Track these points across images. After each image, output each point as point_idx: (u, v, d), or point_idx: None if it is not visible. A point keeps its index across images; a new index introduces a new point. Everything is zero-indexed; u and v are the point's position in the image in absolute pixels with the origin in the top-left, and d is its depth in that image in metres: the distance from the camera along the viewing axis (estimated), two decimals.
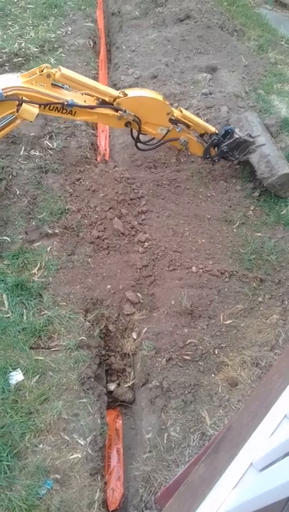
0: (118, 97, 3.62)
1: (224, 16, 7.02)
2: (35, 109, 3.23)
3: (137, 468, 2.65)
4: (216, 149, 4.13)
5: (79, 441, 2.60)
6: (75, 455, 2.54)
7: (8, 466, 2.42)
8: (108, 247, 3.67)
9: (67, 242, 3.64)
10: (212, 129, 4.09)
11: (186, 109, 4.91)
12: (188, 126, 4.00)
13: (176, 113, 3.91)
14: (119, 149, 4.86)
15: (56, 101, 3.35)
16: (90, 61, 5.93)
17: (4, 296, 3.22)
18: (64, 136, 4.56)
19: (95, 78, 5.80)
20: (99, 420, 2.73)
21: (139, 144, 4.10)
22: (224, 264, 3.62)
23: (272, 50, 6.62)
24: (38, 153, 4.34)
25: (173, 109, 3.87)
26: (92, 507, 2.38)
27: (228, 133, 4.03)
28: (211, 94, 5.24)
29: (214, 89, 5.34)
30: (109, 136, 5.16)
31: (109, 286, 3.40)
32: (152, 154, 4.52)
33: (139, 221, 3.89)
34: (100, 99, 3.59)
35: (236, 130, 4.06)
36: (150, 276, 3.52)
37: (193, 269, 3.55)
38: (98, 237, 3.68)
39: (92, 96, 3.56)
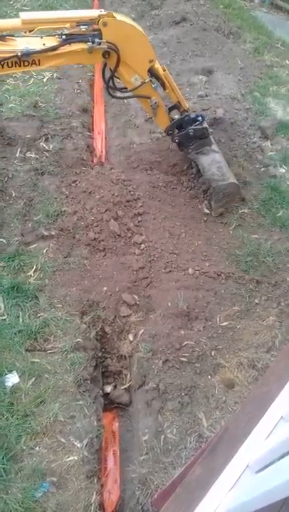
0: (102, 16, 3.14)
1: (220, 19, 7.06)
2: None
3: (134, 471, 2.64)
4: (176, 131, 4.01)
5: (75, 443, 2.59)
6: (71, 457, 2.53)
7: (4, 469, 2.40)
8: (104, 249, 3.66)
9: (63, 244, 3.64)
10: (186, 104, 3.97)
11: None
12: (164, 88, 3.78)
13: (158, 66, 3.67)
14: (115, 151, 4.86)
15: (7, 55, 3.01)
16: None
17: (0, 298, 3.21)
18: (60, 138, 4.56)
19: (91, 80, 5.82)
20: (95, 422, 2.72)
21: (111, 91, 3.76)
22: (221, 266, 3.63)
23: (268, 52, 6.66)
24: (34, 155, 4.34)
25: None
26: (88, 510, 2.37)
27: (196, 120, 3.94)
28: (207, 96, 5.26)
29: (210, 91, 5.36)
30: (106, 138, 5.16)
31: (105, 288, 3.39)
32: (148, 156, 4.53)
33: (136, 223, 3.88)
34: (64, 36, 3.18)
35: (205, 122, 4.01)
36: (146, 278, 3.52)
37: (190, 270, 3.55)
38: (94, 239, 3.68)
39: (54, 35, 3.17)
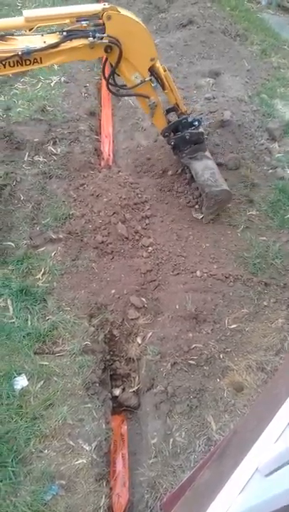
0: (106, 9, 3.11)
1: (227, 21, 7.06)
2: None
3: (143, 474, 2.64)
4: (172, 134, 3.95)
5: (84, 446, 2.59)
6: (80, 460, 2.53)
7: (13, 471, 2.41)
8: (112, 251, 3.67)
9: (71, 247, 3.65)
10: (184, 106, 3.92)
11: (189, 114, 4.94)
12: (163, 88, 3.72)
13: (159, 65, 3.62)
14: (122, 154, 4.87)
15: (8, 54, 2.99)
16: (93, 67, 5.97)
17: (9, 301, 3.23)
18: (68, 142, 4.59)
19: (98, 84, 5.85)
20: (104, 425, 2.72)
21: (111, 88, 3.68)
22: (229, 269, 3.62)
23: (275, 54, 6.65)
24: (42, 159, 4.37)
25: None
26: None
27: (192, 124, 3.89)
28: (214, 98, 5.26)
29: (217, 93, 5.36)
30: (113, 141, 5.18)
31: (113, 291, 3.40)
32: (153, 159, 4.53)
33: (143, 226, 3.89)
34: (65, 33, 3.14)
35: (202, 127, 3.96)
36: (154, 280, 3.52)
37: (198, 273, 3.55)
38: (102, 241, 3.68)
39: (55, 32, 3.15)
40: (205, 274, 3.54)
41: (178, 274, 3.57)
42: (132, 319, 3.30)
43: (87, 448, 2.58)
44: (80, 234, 3.72)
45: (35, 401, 2.72)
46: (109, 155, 4.91)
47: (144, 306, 3.36)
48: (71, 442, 2.59)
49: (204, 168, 3.95)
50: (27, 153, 4.39)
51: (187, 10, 7.10)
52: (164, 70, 3.66)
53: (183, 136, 3.88)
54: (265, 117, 5.17)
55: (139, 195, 4.07)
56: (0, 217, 3.78)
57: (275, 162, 4.65)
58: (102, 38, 3.19)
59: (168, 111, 3.97)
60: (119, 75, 3.62)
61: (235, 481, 1.58)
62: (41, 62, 3.17)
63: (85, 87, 5.58)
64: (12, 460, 2.44)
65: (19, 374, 2.83)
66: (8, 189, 3.97)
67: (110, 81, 3.63)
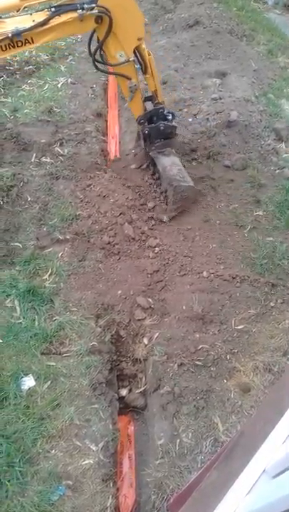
0: None
1: (233, 21, 7.05)
2: None
3: (149, 475, 2.64)
4: (146, 123, 3.93)
5: (91, 447, 2.59)
6: (87, 461, 2.53)
7: (20, 471, 2.42)
8: (119, 252, 3.67)
9: (78, 248, 3.66)
10: (162, 96, 3.89)
11: (196, 114, 4.94)
12: (145, 72, 3.67)
13: (145, 48, 3.57)
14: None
15: None
16: None
17: (16, 301, 3.24)
18: (74, 143, 4.60)
19: (104, 85, 5.86)
20: (111, 426, 2.72)
21: (97, 64, 3.60)
22: (235, 269, 3.60)
23: (281, 54, 6.63)
24: (48, 160, 4.38)
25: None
26: None
27: (166, 118, 3.88)
28: (220, 99, 5.26)
29: (224, 94, 5.36)
30: (120, 142, 5.19)
31: (120, 292, 3.40)
32: None
33: (150, 226, 3.89)
34: (53, 9, 3.11)
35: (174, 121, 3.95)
36: (161, 281, 3.52)
37: (205, 274, 3.54)
38: (109, 242, 3.69)
39: (43, 10, 3.13)
40: (212, 275, 3.53)
41: (184, 274, 3.57)
42: (138, 320, 3.30)
43: (94, 448, 2.58)
44: (87, 235, 3.73)
45: (42, 401, 2.72)
46: (115, 156, 4.91)
47: (150, 306, 3.36)
48: (78, 443, 2.59)
49: (172, 163, 3.97)
50: (34, 155, 4.40)
51: (193, 10, 7.10)
52: (149, 54, 3.60)
53: (157, 127, 3.87)
54: (271, 117, 5.15)
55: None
56: (7, 218, 3.80)
57: (282, 162, 4.64)
58: (92, 9, 3.15)
59: (145, 99, 3.92)
60: (104, 52, 3.55)
61: (242, 482, 1.57)
62: (33, 42, 3.15)
63: (91, 88, 5.59)
64: (19, 460, 2.45)
65: (26, 374, 2.83)
66: (15, 190, 3.99)
67: (97, 57, 3.56)
